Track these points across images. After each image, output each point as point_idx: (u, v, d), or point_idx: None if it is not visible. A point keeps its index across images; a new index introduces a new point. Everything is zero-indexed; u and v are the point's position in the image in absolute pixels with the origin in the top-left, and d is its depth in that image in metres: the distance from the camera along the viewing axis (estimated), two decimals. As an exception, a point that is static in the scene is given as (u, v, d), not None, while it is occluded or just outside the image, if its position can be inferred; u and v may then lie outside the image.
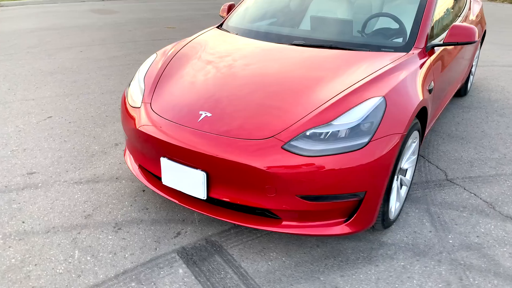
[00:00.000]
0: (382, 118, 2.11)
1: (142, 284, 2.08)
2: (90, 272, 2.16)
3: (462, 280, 2.15)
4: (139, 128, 2.37)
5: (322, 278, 2.16)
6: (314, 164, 1.98)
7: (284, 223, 2.15)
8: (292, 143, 2.03)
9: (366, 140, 2.03)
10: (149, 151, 2.36)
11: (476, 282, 2.14)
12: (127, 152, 2.81)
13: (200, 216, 2.62)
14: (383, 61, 2.53)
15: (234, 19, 3.43)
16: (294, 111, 2.18)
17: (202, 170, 2.14)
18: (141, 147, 2.42)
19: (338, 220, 2.15)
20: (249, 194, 2.10)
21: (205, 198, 2.19)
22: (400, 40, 2.79)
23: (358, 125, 2.06)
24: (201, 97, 2.40)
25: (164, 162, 2.25)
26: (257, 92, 2.36)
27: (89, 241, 2.38)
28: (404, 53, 2.63)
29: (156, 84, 2.61)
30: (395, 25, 3.00)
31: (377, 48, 2.70)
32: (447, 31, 2.93)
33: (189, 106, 2.35)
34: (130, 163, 2.71)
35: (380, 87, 2.27)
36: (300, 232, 2.13)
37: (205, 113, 2.27)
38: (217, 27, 3.41)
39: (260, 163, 2.01)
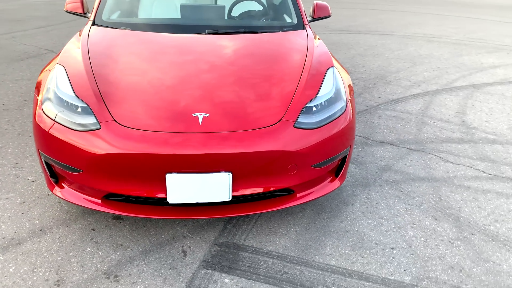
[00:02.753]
0: (341, 84, 2.51)
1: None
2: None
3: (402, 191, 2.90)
4: (121, 152, 1.99)
5: (332, 230, 2.47)
6: (321, 133, 2.23)
7: (298, 195, 2.32)
8: (299, 120, 2.20)
9: (344, 104, 2.40)
10: (142, 172, 2.03)
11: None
12: (66, 186, 2.27)
13: (184, 227, 2.44)
14: (301, 38, 2.88)
15: (109, 13, 3.04)
16: (278, 93, 2.32)
17: (225, 171, 2.05)
18: (122, 172, 2.05)
19: (331, 178, 2.47)
20: (272, 178, 2.16)
21: (229, 199, 2.11)
22: (289, 20, 3.18)
23: (334, 94, 2.40)
24: (182, 99, 2.19)
25: (172, 177, 2.01)
26: (233, 83, 2.34)
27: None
28: (303, 30, 3.05)
29: (102, 99, 2.18)
30: (258, 7, 3.37)
31: (280, 28, 3.02)
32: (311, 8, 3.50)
33: (176, 111, 2.13)
34: (78, 197, 2.23)
35: (323, 59, 2.64)
36: (310, 199, 2.36)
37: (201, 114, 2.12)
38: (93, 25, 2.95)
39: (283, 145, 2.10)
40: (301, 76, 2.44)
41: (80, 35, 2.79)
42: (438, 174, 3.11)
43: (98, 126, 2.08)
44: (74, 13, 3.17)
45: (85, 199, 2.24)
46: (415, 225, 2.53)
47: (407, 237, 2.43)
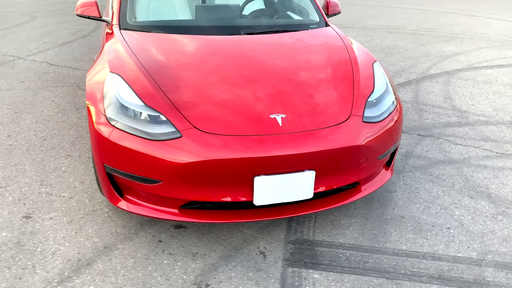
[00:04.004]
0: (387, 77, 2.63)
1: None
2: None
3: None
4: (207, 159, 1.96)
5: (388, 217, 2.60)
6: (384, 125, 2.33)
7: (362, 187, 2.42)
8: (365, 114, 2.29)
9: (393, 96, 2.53)
10: (228, 177, 2.01)
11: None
12: (133, 199, 2.19)
13: (250, 228, 2.44)
14: (333, 35, 2.96)
15: (133, 17, 2.92)
16: (338, 89, 2.38)
17: (309, 170, 2.09)
18: (206, 179, 2.01)
19: (385, 168, 2.59)
20: (347, 173, 2.23)
21: (311, 196, 2.15)
22: (310, 17, 3.24)
23: (386, 87, 2.52)
24: (255, 101, 2.19)
25: (260, 180, 2.02)
26: (295, 83, 2.37)
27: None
28: (328, 27, 3.13)
29: (175, 106, 2.12)
30: (269, 5, 3.41)
31: (307, 26, 3.08)
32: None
33: (253, 114, 2.12)
34: (147, 209, 2.16)
35: (365, 55, 2.75)
36: (372, 190, 2.46)
37: (278, 115, 2.13)
38: (121, 28, 2.81)
39: (357, 140, 2.18)
40: (352, 72, 2.52)
41: (114, 39, 2.65)
42: (455, 157, 3.36)
43: (179, 135, 2.02)
44: (88, 17, 2.99)
45: (158, 210, 2.18)
46: (457, 205, 2.73)
47: (455, 216, 2.62)
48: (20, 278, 2.05)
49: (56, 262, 2.16)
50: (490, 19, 9.32)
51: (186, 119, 2.07)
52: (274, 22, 3.06)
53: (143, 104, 2.13)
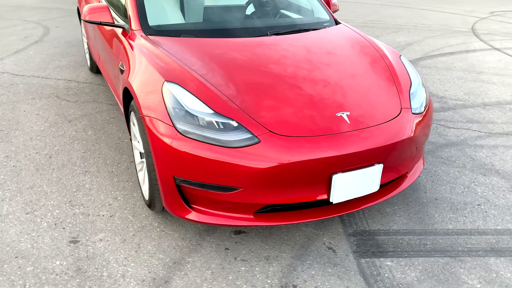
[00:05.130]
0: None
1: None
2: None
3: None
4: (288, 162, 1.97)
5: (424, 200, 2.78)
6: (427, 116, 2.49)
7: (408, 176, 2.56)
8: (412, 106, 2.43)
9: (424, 88, 2.70)
10: (306, 178, 2.04)
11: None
12: (203, 209, 2.14)
13: (307, 226, 2.48)
14: (351, 33, 3.06)
15: (152, 21, 2.80)
16: (382, 84, 2.49)
17: (378, 163, 2.18)
18: (285, 182, 2.03)
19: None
20: (404, 163, 2.36)
21: (377, 189, 2.25)
22: (319, 15, 3.31)
23: (418, 79, 2.67)
24: (317, 101, 2.22)
25: (338, 177, 2.07)
26: (344, 80, 2.43)
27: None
28: (341, 25, 3.24)
29: (244, 111, 2.09)
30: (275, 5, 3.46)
31: (322, 24, 3.15)
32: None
33: (320, 113, 2.16)
34: (218, 218, 2.13)
35: (389, 50, 2.88)
36: (415, 178, 2.60)
37: (344, 113, 2.19)
38: (147, 34, 2.68)
39: (413, 131, 2.30)
40: (388, 67, 2.65)
41: (145, 46, 2.53)
42: (453, 139, 3.65)
43: (257, 140, 2.01)
44: (100, 23, 2.82)
45: (231, 217, 2.15)
46: (476, 183, 2.99)
47: (479, 193, 2.87)
48: (101, 306, 1.92)
49: (130, 284, 2.05)
50: (424, 11, 10.07)
51: (259, 123, 2.06)
52: (293, 22, 3.09)
53: (212, 111, 2.08)
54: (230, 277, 2.11)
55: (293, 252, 2.29)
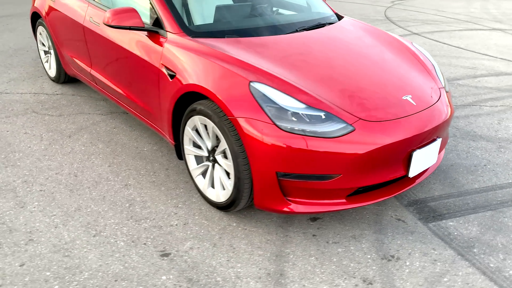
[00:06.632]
0: None
1: (482, 256, 2.39)
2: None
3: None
4: (381, 145, 2.17)
5: (446, 165, 3.18)
6: (450, 92, 2.87)
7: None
8: (443, 86, 2.78)
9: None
10: (392, 158, 2.26)
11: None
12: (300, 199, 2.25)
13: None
14: (363, 25, 3.32)
15: (194, 22, 2.77)
16: (415, 67, 2.79)
17: (438, 138, 2.48)
18: (375, 164, 2.22)
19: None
20: (445, 137, 2.69)
21: (436, 161, 2.56)
22: (321, 11, 3.51)
23: (433, 61, 3.04)
24: (381, 87, 2.43)
25: (416, 154, 2.33)
26: (388, 67, 2.67)
27: None
28: (349, 19, 3.47)
29: (330, 102, 2.22)
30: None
31: (335, 20, 3.35)
32: None
33: (391, 98, 2.38)
34: (313, 206, 2.27)
35: (399, 37, 3.20)
36: (443, 151, 2.97)
37: (407, 96, 2.44)
38: (192, 37, 2.64)
39: (452, 107, 2.66)
40: (409, 52, 2.97)
41: (196, 48, 2.51)
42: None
43: (352, 128, 2.17)
44: (130, 28, 2.69)
45: (325, 204, 2.29)
46: (472, 148, 3.49)
47: (479, 156, 3.36)
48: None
49: (250, 284, 2.08)
50: (340, 2, 10.86)
51: (348, 112, 2.22)
52: (312, 17, 3.25)
53: (304, 105, 2.18)
54: (334, 259, 2.26)
55: (373, 228, 2.50)
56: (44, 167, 3.00)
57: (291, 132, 2.11)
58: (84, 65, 3.68)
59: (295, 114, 2.16)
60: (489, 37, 7.25)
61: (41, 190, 2.74)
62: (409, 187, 2.48)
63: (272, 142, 2.11)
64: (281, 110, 2.16)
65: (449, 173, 3.10)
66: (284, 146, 2.11)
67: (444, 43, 6.76)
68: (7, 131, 3.50)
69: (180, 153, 2.82)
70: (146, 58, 2.78)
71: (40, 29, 4.42)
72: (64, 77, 4.38)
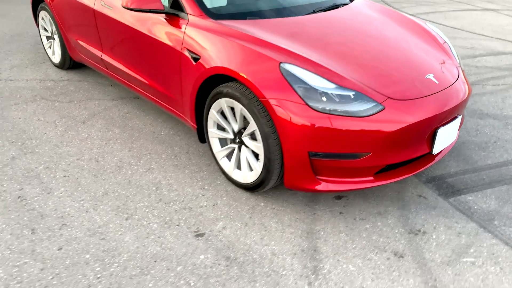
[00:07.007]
0: None
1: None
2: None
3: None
4: (410, 123, 2.23)
5: (458, 142, 3.27)
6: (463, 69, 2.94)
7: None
8: (460, 65, 2.84)
9: (451, 48, 3.14)
10: (418, 136, 2.33)
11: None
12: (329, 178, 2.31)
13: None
14: (374, 4, 3.35)
15: (212, 3, 2.76)
16: (433, 46, 2.84)
17: (458, 115, 2.55)
18: (402, 142, 2.28)
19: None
20: (463, 115, 2.77)
21: (455, 138, 2.64)
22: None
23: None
24: (405, 67, 2.48)
25: (441, 131, 2.40)
26: (409, 47, 2.72)
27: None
28: None
29: (358, 82, 2.26)
30: None
31: (348, 1, 3.38)
32: None
33: (414, 77, 2.43)
34: (343, 184, 2.33)
35: (411, 17, 3.25)
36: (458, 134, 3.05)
37: (431, 75, 2.49)
38: (206, 17, 2.64)
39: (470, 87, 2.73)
40: (426, 32, 3.02)
41: (225, 30, 2.51)
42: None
43: (382, 107, 2.22)
44: (150, 11, 2.67)
45: (354, 182, 2.35)
46: (480, 126, 3.59)
47: (488, 133, 3.45)
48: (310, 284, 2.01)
49: (287, 260, 2.14)
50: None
51: (377, 92, 2.27)
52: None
53: (335, 85, 2.22)
54: (364, 235, 2.33)
55: (396, 205, 2.58)
56: (63, 153, 2.99)
57: (323, 112, 2.16)
58: (94, 50, 3.64)
59: (325, 94, 2.19)
60: (482, 17, 7.35)
61: (65, 176, 2.75)
62: (431, 164, 2.56)
63: (305, 122, 2.15)
64: (312, 90, 2.19)
65: (462, 151, 3.19)
66: (317, 126, 2.15)
67: (440, 24, 6.83)
68: (19, 118, 3.46)
69: (202, 137, 2.84)
70: (166, 41, 2.77)
71: (43, 13, 4.33)
72: (69, 63, 4.33)
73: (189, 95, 2.72)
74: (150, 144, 3.13)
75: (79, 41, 3.85)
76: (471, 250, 2.24)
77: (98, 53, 3.61)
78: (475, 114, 3.77)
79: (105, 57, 3.53)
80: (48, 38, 4.50)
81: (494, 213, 2.52)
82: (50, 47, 4.50)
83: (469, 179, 2.85)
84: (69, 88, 4.05)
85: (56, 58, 4.41)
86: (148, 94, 3.20)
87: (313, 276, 2.06)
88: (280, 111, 2.19)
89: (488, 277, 2.09)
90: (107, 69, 3.61)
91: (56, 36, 4.26)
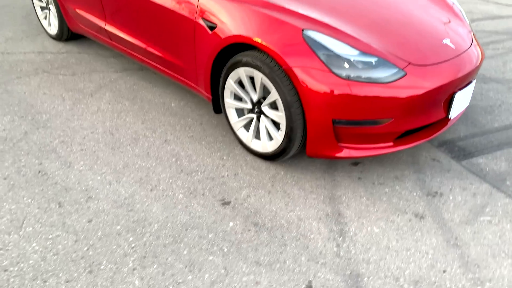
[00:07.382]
0: None
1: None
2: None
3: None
4: (431, 88, 2.27)
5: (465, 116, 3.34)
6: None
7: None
8: (472, 31, 2.87)
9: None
10: (436, 101, 2.37)
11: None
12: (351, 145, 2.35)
13: (400, 148, 2.85)
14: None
15: None
16: (447, 13, 2.85)
17: (473, 80, 2.60)
18: (422, 107, 2.33)
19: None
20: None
21: (468, 103, 2.69)
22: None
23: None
24: (425, 32, 2.50)
25: (458, 95, 2.44)
26: (426, 15, 2.72)
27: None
28: None
29: (384, 49, 2.28)
30: None
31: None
32: None
33: (433, 42, 2.45)
34: (364, 150, 2.38)
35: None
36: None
37: (447, 40, 2.52)
38: None
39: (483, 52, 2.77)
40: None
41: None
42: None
43: (404, 73, 2.25)
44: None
45: (374, 148, 2.40)
46: (484, 90, 3.65)
47: (492, 97, 3.53)
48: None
49: (313, 224, 2.21)
50: None
51: (398, 57, 2.29)
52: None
53: (358, 52, 2.23)
54: (384, 199, 2.41)
55: (412, 169, 2.66)
56: (76, 127, 2.97)
57: (347, 79, 2.17)
58: (97, 19, 3.55)
59: (348, 60, 2.21)
60: (477, -19, 7.32)
61: (82, 150, 2.74)
62: (445, 128, 2.62)
63: (330, 90, 2.17)
64: (336, 57, 2.20)
65: (469, 115, 3.26)
66: (341, 93, 2.17)
67: (436, -12, 6.80)
68: (25, 93, 3.40)
69: (216, 107, 2.84)
70: (178, 10, 2.72)
71: (37, -17, 4.18)
72: (67, 34, 4.21)
73: (204, 65, 2.70)
74: (163, 116, 3.12)
75: (78, 11, 3.74)
76: (487, 210, 2.34)
77: (101, 23, 3.52)
78: (478, 78, 3.83)
79: (109, 27, 3.44)
80: (42, 8, 4.35)
81: (505, 174, 2.62)
82: (45, 18, 4.36)
83: (479, 142, 2.93)
84: (69, 61, 3.96)
85: (53, 29, 4.28)
86: (157, 65, 3.16)
87: (340, 238, 2.14)
88: (304, 79, 2.20)
89: (505, 234, 2.19)
90: (111, 40, 3.53)
91: (52, 6, 4.13)
